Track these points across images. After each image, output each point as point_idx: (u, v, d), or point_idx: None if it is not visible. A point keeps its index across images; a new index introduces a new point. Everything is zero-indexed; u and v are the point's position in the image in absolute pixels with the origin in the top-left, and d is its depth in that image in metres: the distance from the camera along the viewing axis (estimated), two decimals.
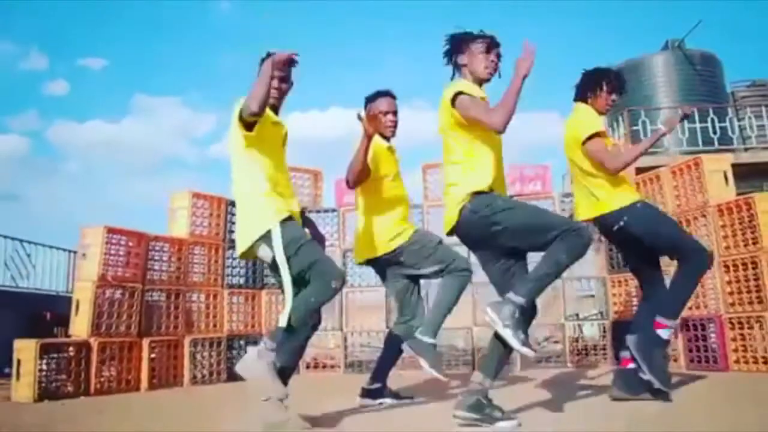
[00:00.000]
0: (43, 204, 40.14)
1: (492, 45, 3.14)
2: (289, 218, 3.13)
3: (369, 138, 3.55)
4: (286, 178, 3.34)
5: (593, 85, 3.76)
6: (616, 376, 3.75)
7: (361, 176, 3.69)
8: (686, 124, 11.57)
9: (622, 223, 3.60)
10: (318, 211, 6.75)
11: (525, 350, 2.84)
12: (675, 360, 5.37)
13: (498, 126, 2.91)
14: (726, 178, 5.41)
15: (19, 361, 4.65)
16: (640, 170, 9.09)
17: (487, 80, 3.17)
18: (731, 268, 5.09)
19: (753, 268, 4.94)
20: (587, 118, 3.72)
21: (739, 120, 12.19)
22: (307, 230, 3.26)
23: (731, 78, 13.98)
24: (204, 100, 48.10)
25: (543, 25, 40.79)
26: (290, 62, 3.20)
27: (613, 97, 3.75)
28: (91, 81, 41.47)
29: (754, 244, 4.95)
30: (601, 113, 3.77)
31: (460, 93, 3.02)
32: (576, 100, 3.84)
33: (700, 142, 11.47)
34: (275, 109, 3.32)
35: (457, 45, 3.20)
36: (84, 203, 43.29)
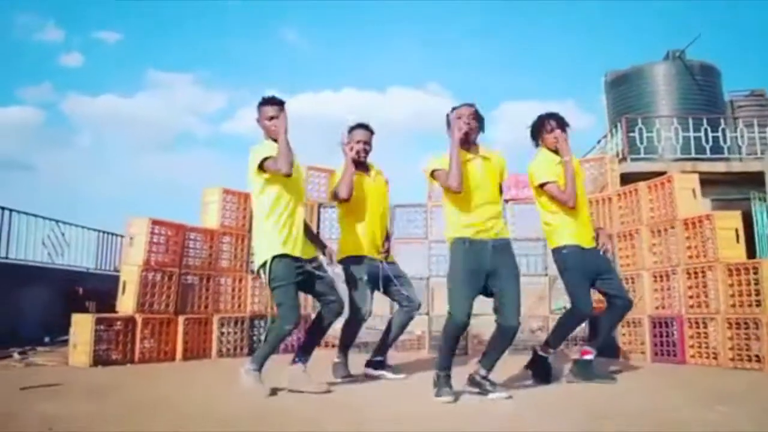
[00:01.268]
0: (56, 176, 40.92)
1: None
2: (283, 255, 3.96)
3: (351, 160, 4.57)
4: (296, 209, 4.11)
5: (539, 129, 4.58)
6: (573, 363, 4.58)
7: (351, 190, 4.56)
8: (681, 133, 12.23)
9: (558, 257, 4.51)
10: (332, 207, 7.50)
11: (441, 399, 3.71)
12: (642, 353, 6.12)
13: (453, 189, 3.82)
14: (694, 194, 6.12)
15: (76, 333, 5.46)
16: (629, 177, 9.85)
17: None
18: (692, 275, 5.82)
19: (702, 276, 5.73)
20: (540, 168, 4.49)
21: (735, 129, 12.74)
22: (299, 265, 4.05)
23: (730, 87, 14.53)
24: (216, 78, 48.54)
25: (549, 24, 41.09)
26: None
27: (555, 134, 4.49)
28: (105, 54, 41.92)
29: (713, 254, 5.68)
30: (552, 150, 4.52)
31: (434, 170, 3.93)
32: (535, 145, 4.64)
33: (692, 150, 12.10)
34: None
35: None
36: (96, 176, 44.04)
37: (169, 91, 45.40)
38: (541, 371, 4.47)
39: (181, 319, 6.08)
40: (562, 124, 4.53)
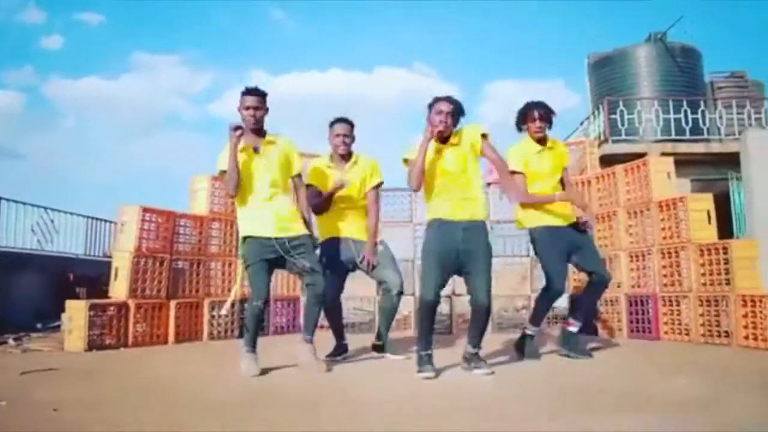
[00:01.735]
0: (41, 161, 40.62)
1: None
2: (251, 237, 4.21)
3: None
4: (265, 197, 4.24)
5: (524, 117, 4.75)
6: (560, 331, 4.93)
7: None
8: (661, 114, 12.45)
9: (530, 238, 4.79)
10: None
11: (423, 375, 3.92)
12: (620, 330, 6.37)
13: (412, 187, 4.14)
14: (669, 177, 6.33)
15: (71, 318, 5.61)
16: (611, 159, 10.05)
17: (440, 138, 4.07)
18: (666, 255, 6.06)
19: (676, 256, 5.97)
20: (515, 155, 4.69)
21: (714, 110, 12.96)
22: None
23: (711, 69, 14.75)
24: (202, 59, 48.37)
25: (537, 3, 41.11)
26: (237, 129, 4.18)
27: (538, 124, 4.68)
28: (87, 36, 41.51)
29: (686, 235, 5.91)
30: (534, 140, 4.73)
31: (405, 159, 4.14)
32: (518, 131, 4.83)
33: (673, 132, 12.32)
34: (258, 132, 4.31)
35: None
36: (83, 161, 43.78)
37: (154, 73, 45.18)
38: (527, 348, 4.74)
39: (172, 303, 6.25)
40: (547, 114, 4.71)
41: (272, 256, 4.19)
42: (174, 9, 44.24)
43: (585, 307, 4.93)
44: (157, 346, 6.01)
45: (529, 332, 4.74)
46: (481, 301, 3.97)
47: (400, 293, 4.74)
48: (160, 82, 45.47)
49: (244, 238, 4.27)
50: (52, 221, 11.18)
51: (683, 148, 11.82)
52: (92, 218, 12.50)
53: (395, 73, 47.30)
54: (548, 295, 4.70)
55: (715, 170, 11.71)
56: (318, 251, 4.53)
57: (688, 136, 12.25)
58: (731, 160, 11.38)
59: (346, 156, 4.88)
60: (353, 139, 4.92)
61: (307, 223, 4.43)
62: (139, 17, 43.21)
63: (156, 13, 43.36)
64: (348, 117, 4.93)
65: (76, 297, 8.56)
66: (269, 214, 4.22)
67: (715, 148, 12.16)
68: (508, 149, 4.70)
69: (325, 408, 3.13)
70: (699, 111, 12.48)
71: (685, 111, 12.35)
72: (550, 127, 4.76)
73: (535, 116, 4.67)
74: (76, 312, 5.59)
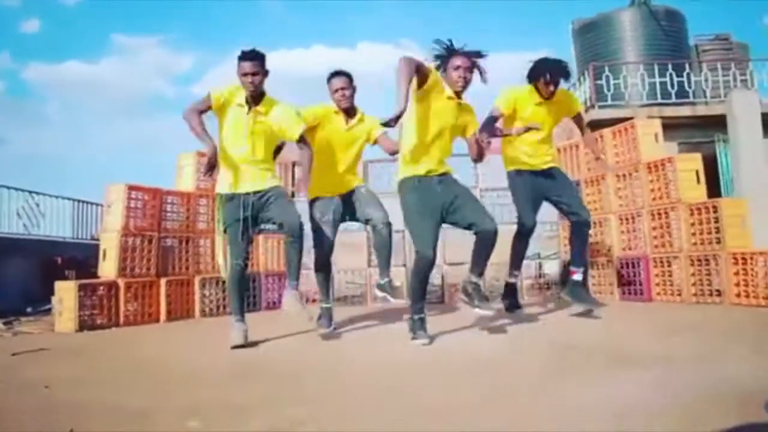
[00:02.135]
0: (25, 146, 40.24)
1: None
2: (229, 198, 4.17)
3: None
4: (250, 156, 4.18)
5: (537, 76, 4.70)
6: (568, 283, 4.99)
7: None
8: (646, 79, 12.42)
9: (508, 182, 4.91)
10: None
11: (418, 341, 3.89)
12: (611, 293, 6.39)
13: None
14: (657, 139, 6.32)
15: (61, 299, 5.56)
16: (598, 124, 10.02)
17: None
18: (656, 216, 6.06)
19: (666, 217, 5.98)
20: (506, 95, 4.74)
21: (699, 73, 12.95)
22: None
23: (695, 32, 14.70)
24: (183, 40, 47.97)
25: None
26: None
27: (550, 88, 4.65)
28: (65, 19, 40.91)
29: (676, 194, 5.91)
30: (545, 97, 4.72)
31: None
32: (528, 82, 4.80)
33: (659, 95, 12.31)
34: (256, 98, 4.19)
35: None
36: (68, 145, 43.40)
37: (134, 55, 44.67)
38: (510, 297, 4.92)
39: (162, 281, 6.20)
40: (559, 78, 4.70)
41: (245, 215, 4.15)
42: None
43: (577, 251, 4.95)
44: (149, 324, 5.96)
45: (511, 280, 4.82)
46: (488, 226, 3.87)
47: (388, 224, 4.64)
48: (141, 64, 44.95)
49: (219, 195, 4.25)
50: (38, 205, 11.11)
51: (669, 111, 11.78)
52: (79, 201, 12.41)
53: (380, 48, 46.88)
54: (520, 231, 4.85)
55: (701, 133, 11.72)
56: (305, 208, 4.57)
57: (674, 100, 12.21)
58: (717, 123, 11.39)
59: (350, 110, 4.72)
60: (354, 90, 4.71)
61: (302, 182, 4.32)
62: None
63: None
64: (344, 70, 4.74)
65: (66, 280, 8.47)
66: (245, 174, 4.19)
67: (701, 110, 12.14)
68: (504, 89, 4.74)
69: (317, 379, 3.10)
70: (684, 74, 12.44)
71: (671, 74, 12.33)
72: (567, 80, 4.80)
73: (546, 79, 4.66)
74: (65, 293, 5.53)
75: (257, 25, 45.30)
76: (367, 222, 4.77)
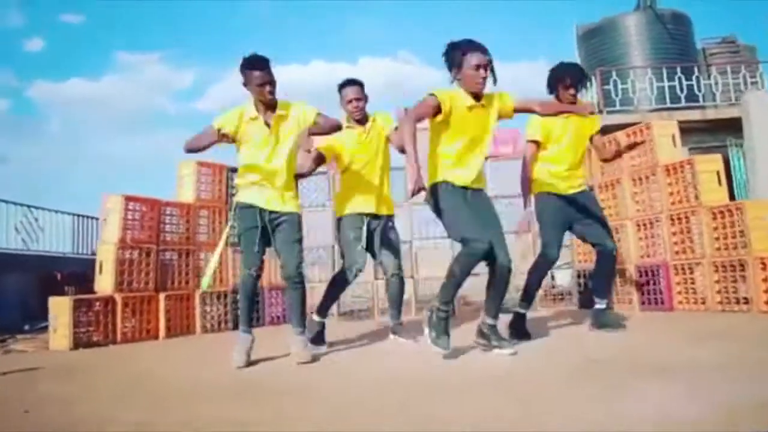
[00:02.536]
0: (28, 163, 40.30)
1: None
2: (247, 207, 3.89)
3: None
4: (270, 167, 3.89)
5: (556, 82, 4.41)
6: (591, 313, 4.62)
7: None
8: (655, 83, 12.20)
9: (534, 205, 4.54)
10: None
11: (436, 348, 3.55)
12: (629, 303, 6.12)
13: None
14: (674, 141, 6.07)
15: (55, 316, 5.31)
16: (608, 129, 9.77)
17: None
18: (676, 221, 5.80)
19: (686, 221, 5.71)
20: (529, 125, 4.43)
21: (708, 77, 12.75)
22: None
23: (701, 35, 14.53)
24: (184, 56, 47.99)
25: None
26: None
27: (571, 91, 4.36)
28: (68, 38, 41.20)
29: (696, 198, 5.65)
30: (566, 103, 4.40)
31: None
32: (549, 93, 4.48)
33: (668, 100, 12.09)
34: (271, 106, 3.89)
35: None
36: (70, 161, 43.46)
37: (136, 72, 44.76)
38: (519, 328, 4.38)
39: (161, 296, 5.95)
40: (581, 79, 4.43)
41: (261, 225, 3.88)
42: (152, 7, 43.70)
43: (600, 282, 4.61)
44: (148, 341, 5.72)
45: (521, 310, 4.43)
46: (503, 262, 3.60)
47: (399, 276, 4.57)
48: (143, 81, 45.07)
49: (237, 205, 3.97)
50: (36, 220, 10.90)
51: (679, 116, 11.52)
52: (79, 216, 12.20)
53: (380, 62, 46.88)
54: (542, 260, 4.45)
55: (712, 137, 11.51)
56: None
57: (684, 104, 11.99)
58: (729, 126, 11.21)
59: (364, 119, 4.55)
60: (366, 99, 4.56)
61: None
62: (118, 17, 42.71)
63: (134, 12, 42.91)
64: (355, 78, 4.58)
65: (65, 296, 8.25)
66: (265, 190, 3.92)
67: (712, 114, 11.97)
68: (530, 120, 4.41)
69: (322, 396, 2.87)
70: (693, 77, 12.25)
71: (680, 78, 12.14)
72: (580, 91, 4.47)
73: (567, 83, 4.34)
74: (60, 309, 5.30)
75: (258, 40, 45.29)
76: (379, 263, 4.68)
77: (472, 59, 3.59)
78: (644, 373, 2.82)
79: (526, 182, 4.45)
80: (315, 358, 3.87)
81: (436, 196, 3.69)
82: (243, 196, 3.95)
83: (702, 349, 3.45)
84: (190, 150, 3.91)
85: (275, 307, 6.94)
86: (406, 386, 2.93)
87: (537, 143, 4.41)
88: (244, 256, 3.95)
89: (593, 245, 4.48)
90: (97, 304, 5.50)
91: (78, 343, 5.26)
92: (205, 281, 4.40)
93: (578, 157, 4.52)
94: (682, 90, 12.05)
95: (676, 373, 2.77)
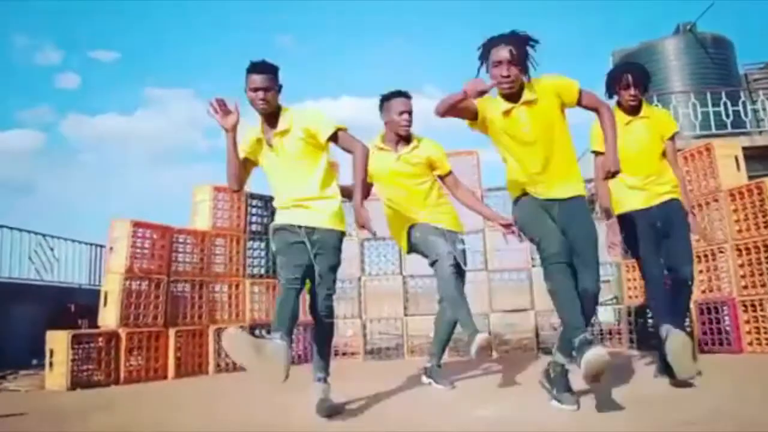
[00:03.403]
0: (59, 196, 40.76)
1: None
2: (281, 228, 3.37)
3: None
4: (293, 186, 3.39)
5: (613, 83, 3.85)
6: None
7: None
8: (699, 108, 11.61)
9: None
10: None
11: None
12: None
13: None
14: (737, 163, 5.48)
15: (51, 352, 4.83)
16: None
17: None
18: (743, 252, 5.17)
19: (765, 251, 5.03)
20: (593, 135, 3.82)
21: (752, 103, 12.16)
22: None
23: (743, 60, 13.94)
24: (215, 91, 48.55)
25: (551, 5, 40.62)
26: (221, 106, 3.33)
27: (632, 91, 3.79)
28: (102, 74, 42.07)
29: (766, 227, 5.03)
30: (624, 109, 3.84)
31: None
32: (608, 97, 3.89)
33: (713, 126, 11.48)
34: (272, 116, 3.38)
35: None
36: (100, 195, 43.98)
37: (169, 107, 45.47)
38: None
39: (172, 332, 5.44)
40: (643, 78, 3.82)
41: (302, 240, 3.31)
42: (185, 45, 44.52)
43: (672, 314, 3.79)
44: (155, 382, 5.21)
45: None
46: (588, 286, 3.07)
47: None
48: (174, 116, 45.73)
49: (271, 228, 3.50)
50: (52, 249, 10.50)
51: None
52: (96, 245, 11.80)
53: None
54: (650, 287, 3.83)
55: (761, 165, 10.83)
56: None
57: (729, 130, 11.36)
58: None
59: (408, 137, 4.11)
60: (413, 115, 4.13)
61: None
62: (151, 53, 43.53)
63: (167, 49, 43.77)
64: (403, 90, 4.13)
65: (79, 329, 7.83)
66: (298, 210, 3.37)
67: (760, 141, 11.29)
68: (593, 125, 3.82)
69: None
70: (740, 103, 11.63)
71: (725, 103, 11.50)
72: (646, 92, 3.87)
73: (628, 81, 3.76)
74: (56, 344, 4.83)
75: (287, 77, 45.83)
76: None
77: (494, 55, 3.08)
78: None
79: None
80: (335, 410, 3.29)
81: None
82: (277, 218, 3.46)
83: None
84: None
85: (295, 344, 6.36)
86: None
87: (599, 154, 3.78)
88: (282, 271, 3.30)
89: (668, 269, 3.81)
90: (99, 339, 5.02)
91: (76, 383, 4.77)
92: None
93: (653, 156, 3.88)
94: (728, 116, 11.43)
95: None
